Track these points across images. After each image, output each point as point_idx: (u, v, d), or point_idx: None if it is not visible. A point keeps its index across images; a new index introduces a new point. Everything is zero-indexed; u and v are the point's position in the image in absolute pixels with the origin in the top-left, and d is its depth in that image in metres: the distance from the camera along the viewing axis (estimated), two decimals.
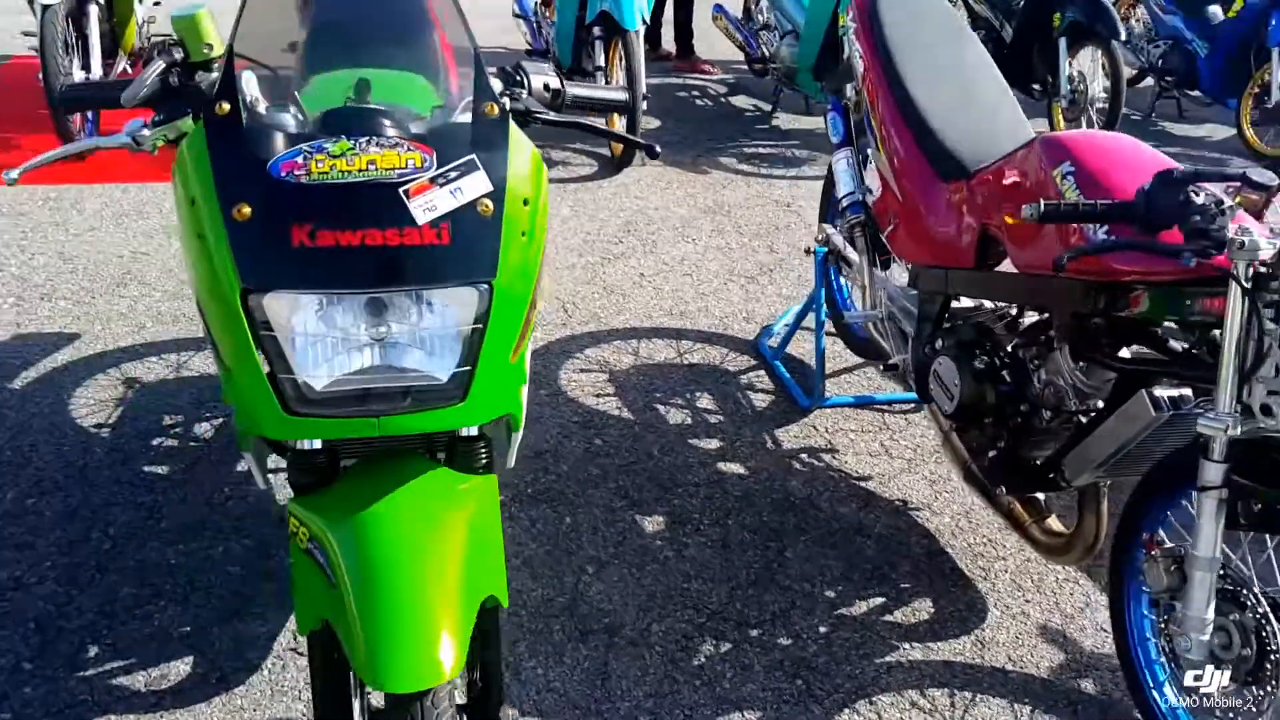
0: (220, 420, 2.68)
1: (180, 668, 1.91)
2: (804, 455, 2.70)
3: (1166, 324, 1.82)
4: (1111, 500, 2.05)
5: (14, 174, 1.33)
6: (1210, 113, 6.14)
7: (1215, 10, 5.86)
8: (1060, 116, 5.29)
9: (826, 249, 2.83)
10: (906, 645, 2.08)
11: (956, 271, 2.25)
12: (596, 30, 4.85)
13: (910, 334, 2.46)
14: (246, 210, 1.11)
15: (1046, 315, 2.11)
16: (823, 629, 2.10)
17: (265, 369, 1.10)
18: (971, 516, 2.49)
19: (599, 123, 1.45)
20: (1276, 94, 5.29)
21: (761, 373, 3.09)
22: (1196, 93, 6.02)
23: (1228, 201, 1.55)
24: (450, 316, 1.15)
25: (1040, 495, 2.22)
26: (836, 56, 5.12)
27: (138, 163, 4.46)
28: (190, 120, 1.29)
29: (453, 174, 1.15)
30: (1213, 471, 1.61)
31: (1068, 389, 2.01)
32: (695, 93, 6.19)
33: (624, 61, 4.67)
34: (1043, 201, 1.63)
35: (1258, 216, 1.56)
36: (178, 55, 1.27)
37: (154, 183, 4.16)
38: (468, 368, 1.17)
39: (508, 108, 1.19)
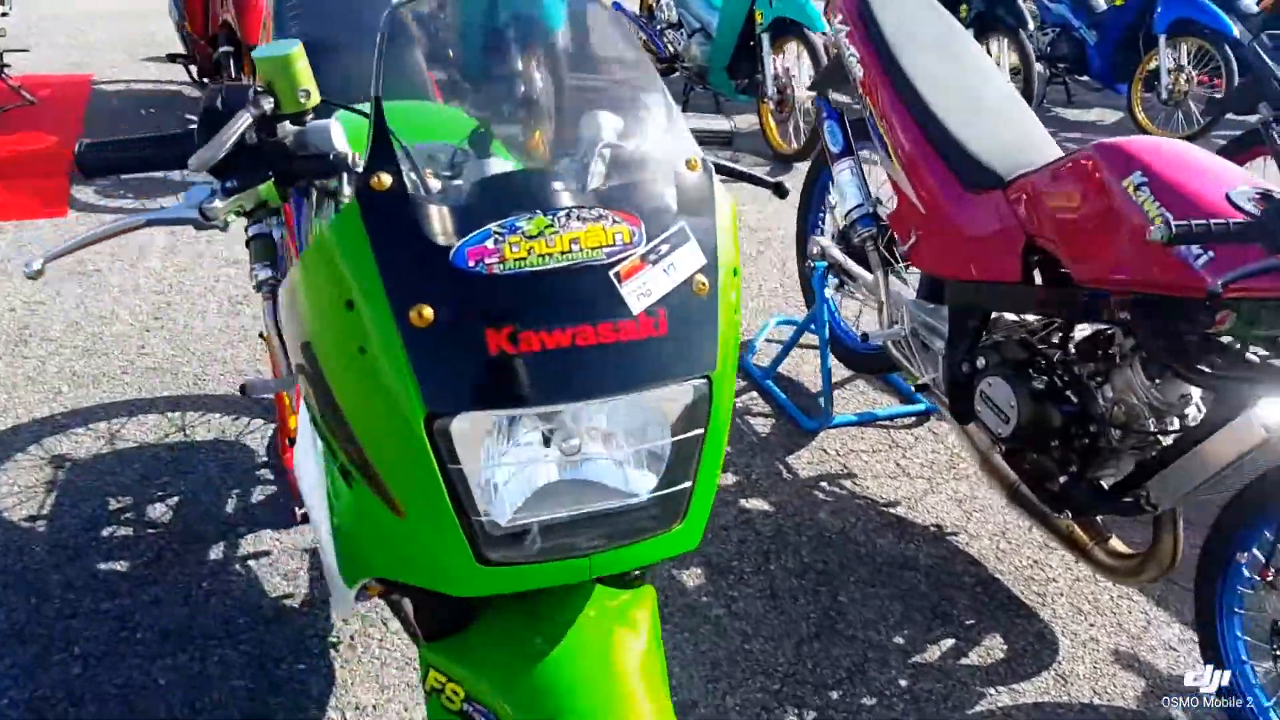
0: (176, 499, 2.34)
1: None
2: (823, 483, 2.55)
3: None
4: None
5: (36, 264, 1.02)
6: (1096, 97, 6.34)
7: None
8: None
9: (826, 263, 2.69)
10: (991, 690, 1.96)
11: (1000, 286, 2.13)
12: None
13: (939, 351, 2.34)
14: (428, 313, 0.86)
15: (1108, 330, 2.02)
16: (903, 682, 1.96)
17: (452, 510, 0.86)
18: (1009, 537, 2.40)
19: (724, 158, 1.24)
20: (1166, 79, 5.48)
21: (754, 394, 2.93)
22: (1085, 78, 6.19)
23: None
24: (666, 422, 0.93)
25: (1094, 513, 2.14)
26: (752, 55, 5.03)
27: (11, 194, 3.97)
28: (272, 186, 1.02)
29: (664, 247, 0.93)
30: None
31: (1143, 406, 1.92)
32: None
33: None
34: (1172, 222, 1.51)
35: None
36: (266, 106, 1.00)
37: (34, 219, 3.69)
38: (686, 484, 0.96)
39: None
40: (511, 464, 0.88)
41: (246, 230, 2.13)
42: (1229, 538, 1.82)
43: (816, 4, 4.70)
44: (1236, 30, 5.34)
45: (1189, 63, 5.49)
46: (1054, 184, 1.99)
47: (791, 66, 4.90)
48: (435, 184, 0.94)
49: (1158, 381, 1.92)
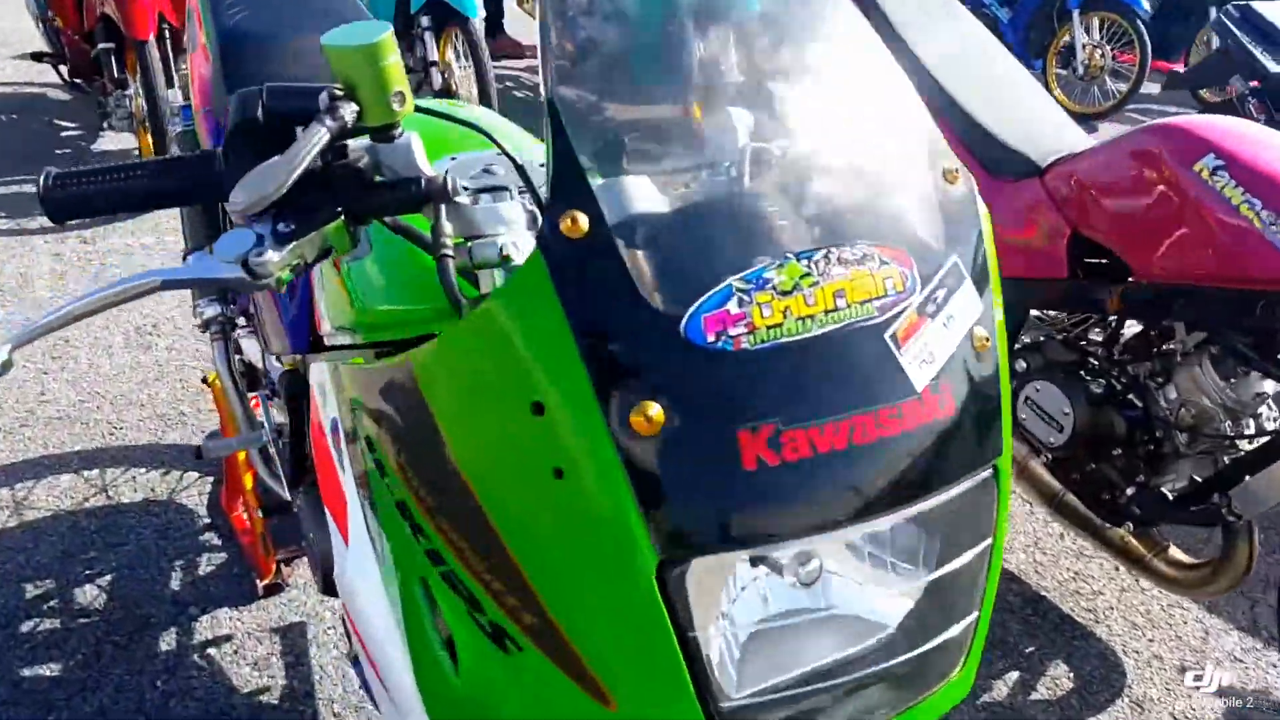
0: (109, 577, 1.97)
1: None
2: None
3: None
4: None
5: (3, 353, 0.70)
6: None
7: None
8: None
9: None
10: None
11: (1042, 282, 1.95)
12: (425, 20, 4.19)
13: None
14: (657, 414, 0.59)
15: (1163, 326, 1.86)
16: None
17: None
18: (1042, 547, 2.24)
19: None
20: (1081, 54, 5.49)
21: None
22: None
23: None
24: (951, 533, 0.68)
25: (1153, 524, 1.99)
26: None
27: None
28: (342, 227, 0.72)
29: (940, 293, 0.68)
30: None
31: (1215, 409, 1.77)
32: (509, 84, 5.64)
33: (464, 54, 4.09)
34: None
35: None
36: (349, 115, 0.71)
37: None
38: (973, 615, 0.71)
39: None
40: (760, 620, 0.62)
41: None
42: None
43: None
44: (1146, 3, 5.38)
45: (1102, 37, 5.51)
46: (1106, 171, 1.81)
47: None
48: (666, 229, 0.65)
49: (1232, 381, 1.76)
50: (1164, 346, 1.86)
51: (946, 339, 0.67)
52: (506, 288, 0.62)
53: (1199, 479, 1.83)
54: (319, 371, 1.03)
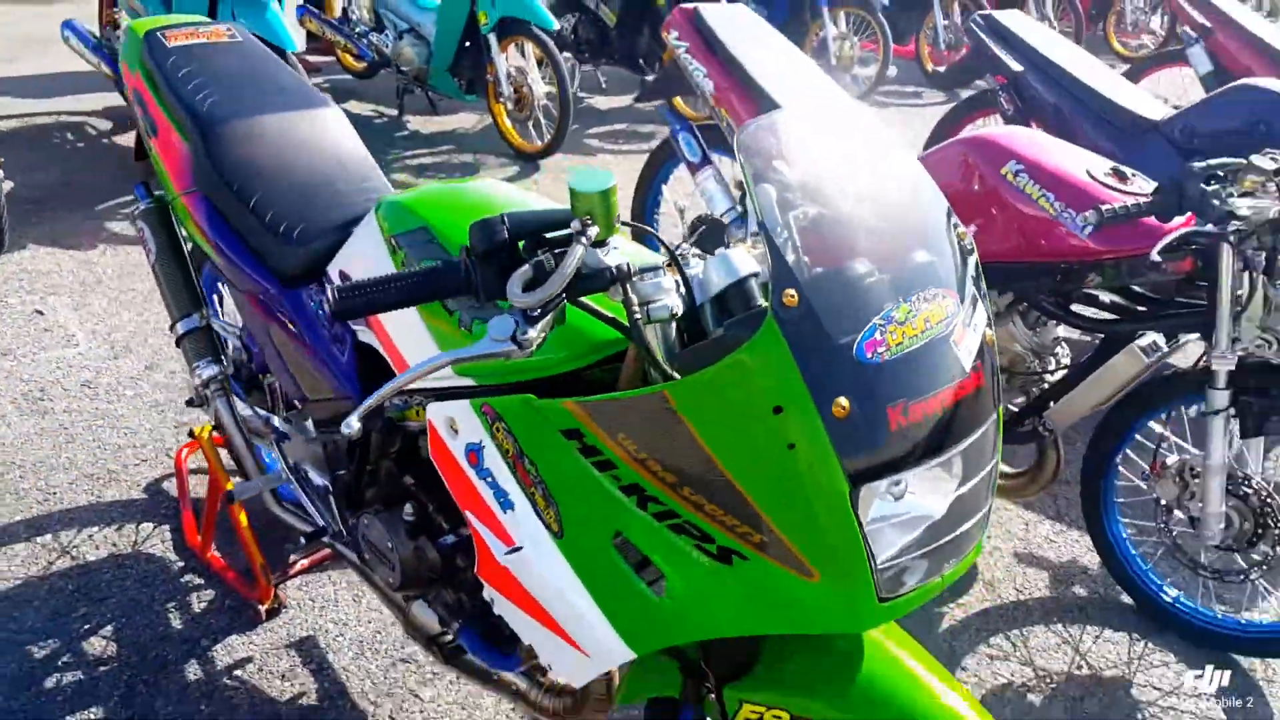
0: (109, 628, 2.10)
1: None
2: None
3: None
4: None
5: (355, 424, 0.95)
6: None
7: None
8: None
9: None
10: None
11: None
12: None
13: None
14: (845, 404, 0.96)
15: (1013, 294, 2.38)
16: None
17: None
18: None
19: None
20: (833, 46, 6.19)
21: None
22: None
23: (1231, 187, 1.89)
24: (990, 453, 1.08)
25: None
26: (474, 55, 5.06)
27: None
28: (564, 306, 1.01)
29: (969, 311, 1.06)
30: (1220, 398, 1.99)
31: (1025, 352, 2.33)
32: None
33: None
34: (1102, 209, 1.86)
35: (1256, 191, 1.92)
36: (593, 234, 1.00)
37: None
38: (989, 504, 1.11)
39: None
40: (903, 515, 1.01)
41: (173, 329, 1.97)
42: (1110, 442, 2.26)
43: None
44: None
45: (849, 29, 6.24)
46: (934, 174, 2.30)
47: (524, 65, 4.98)
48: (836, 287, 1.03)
49: (1036, 331, 2.32)
50: (997, 307, 2.39)
51: (975, 339, 1.07)
52: (754, 344, 0.96)
53: (1016, 408, 2.37)
54: (444, 410, 1.31)
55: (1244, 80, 3.21)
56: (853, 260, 1.03)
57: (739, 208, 2.78)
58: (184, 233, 2.04)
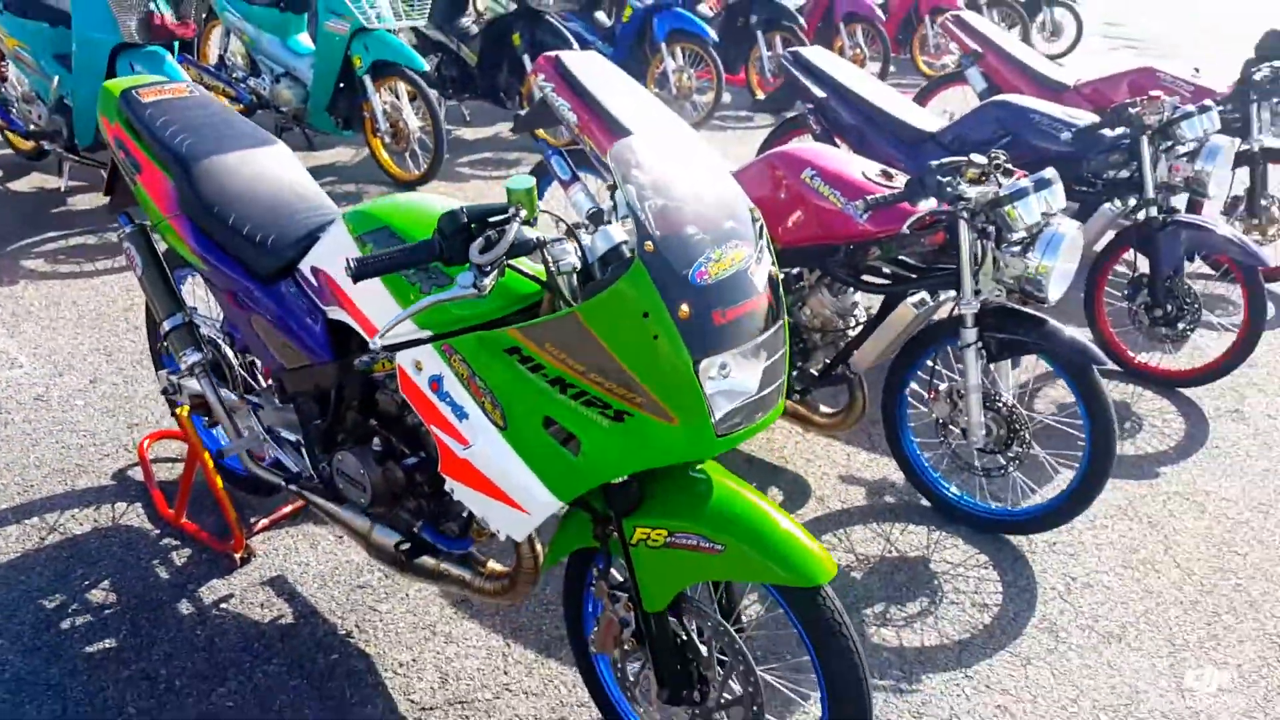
0: (106, 581, 2.52)
1: None
2: None
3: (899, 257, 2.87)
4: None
5: (379, 340, 1.46)
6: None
7: (601, 16, 7.33)
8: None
9: None
10: None
11: None
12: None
13: None
14: (686, 309, 1.52)
15: (798, 272, 3.06)
16: None
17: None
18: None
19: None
20: (673, 78, 6.90)
21: None
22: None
23: (960, 178, 2.59)
24: (780, 345, 1.68)
25: (808, 393, 3.19)
26: (348, 94, 5.55)
27: None
28: (504, 267, 1.57)
29: (760, 253, 1.66)
30: (970, 334, 2.70)
31: (833, 315, 3.00)
32: None
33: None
34: (868, 198, 2.54)
35: (981, 180, 2.63)
36: (523, 215, 1.55)
37: None
38: (783, 378, 1.71)
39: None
40: (741, 374, 1.60)
41: (162, 325, 2.43)
42: (899, 378, 2.95)
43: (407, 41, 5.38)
44: (714, 34, 6.90)
45: (685, 62, 6.97)
46: (754, 182, 2.95)
47: (398, 102, 5.48)
48: (674, 240, 1.59)
49: (838, 297, 3.00)
50: (798, 284, 3.06)
51: (763, 272, 1.68)
52: (628, 278, 1.53)
53: (828, 359, 3.04)
54: (410, 355, 1.84)
55: (997, 97, 4.03)
56: (686, 226, 1.62)
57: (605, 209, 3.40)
58: (164, 249, 2.51)
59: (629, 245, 1.65)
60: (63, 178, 5.22)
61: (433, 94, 5.39)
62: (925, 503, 3.03)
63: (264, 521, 2.71)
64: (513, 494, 1.78)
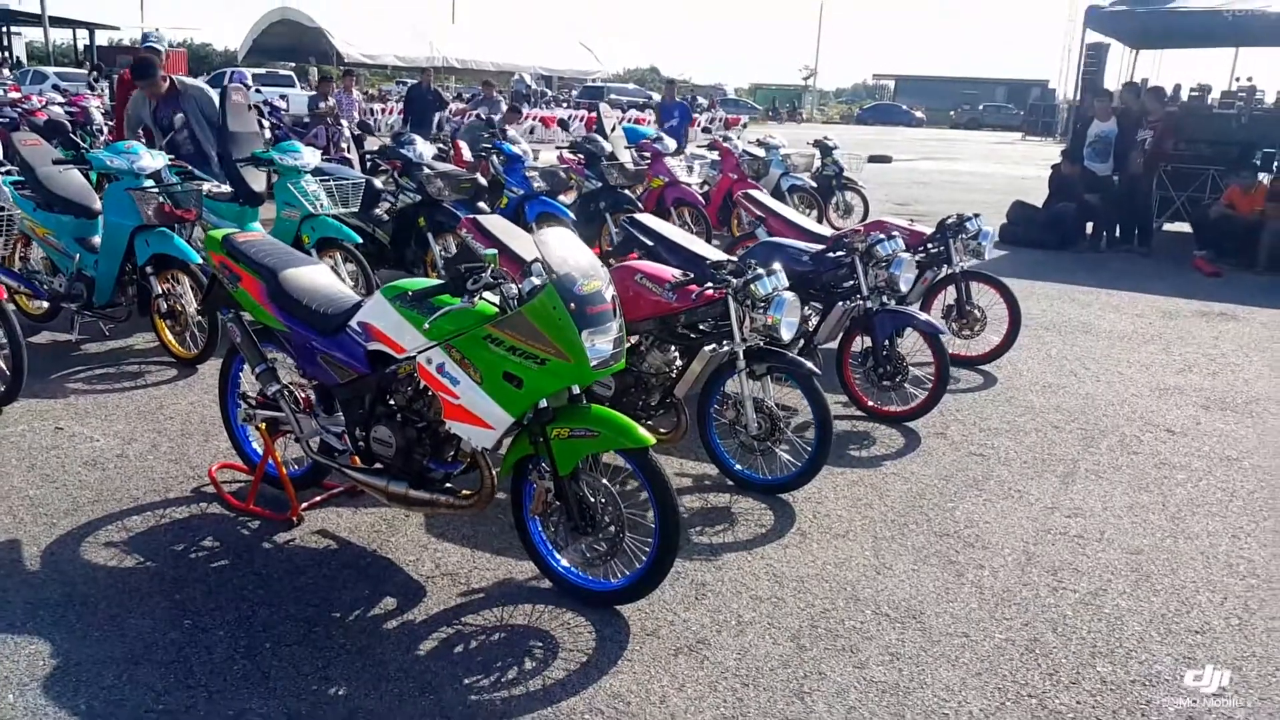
0: (208, 540, 3.96)
1: None
2: None
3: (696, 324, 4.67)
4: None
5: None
6: None
7: (483, 205, 9.25)
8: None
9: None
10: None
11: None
12: (149, 268, 6.18)
13: None
14: (574, 306, 3.17)
15: (645, 336, 4.82)
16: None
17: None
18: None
19: None
20: None
21: None
22: None
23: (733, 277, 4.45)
24: (618, 330, 3.36)
25: (650, 419, 4.88)
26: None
27: None
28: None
29: (608, 286, 3.37)
30: (742, 361, 4.50)
31: (661, 364, 4.76)
32: None
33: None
34: (668, 284, 4.37)
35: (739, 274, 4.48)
36: (490, 269, 3.23)
37: None
38: (622, 348, 3.41)
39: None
40: (599, 340, 3.28)
41: (255, 370, 4.00)
42: (705, 400, 4.70)
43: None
44: (572, 215, 8.89)
45: None
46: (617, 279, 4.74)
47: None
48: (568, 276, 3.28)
49: (663, 353, 4.77)
50: (640, 348, 4.82)
51: (610, 291, 3.38)
52: (545, 292, 3.21)
53: (661, 395, 4.77)
54: (429, 355, 3.47)
55: (763, 239, 6.03)
56: (570, 269, 3.33)
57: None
58: (253, 324, 4.10)
59: (543, 280, 3.39)
60: (74, 331, 6.65)
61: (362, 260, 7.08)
62: (729, 481, 4.73)
63: (307, 504, 4.20)
64: (486, 418, 3.41)
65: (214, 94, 7.82)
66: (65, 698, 2.96)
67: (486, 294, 3.37)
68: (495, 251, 3.40)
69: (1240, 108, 15.81)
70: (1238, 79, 20.53)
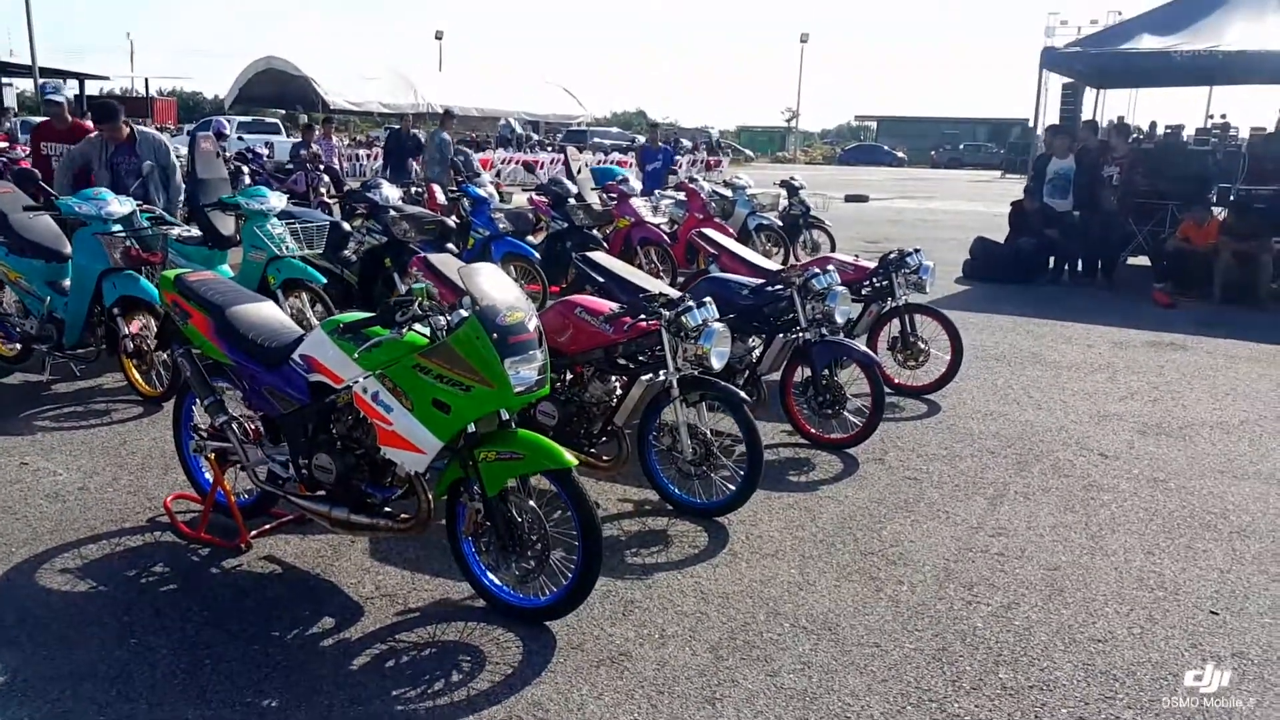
0: (164, 563, 4.13)
1: None
2: None
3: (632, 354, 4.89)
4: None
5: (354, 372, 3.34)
6: None
7: (451, 246, 9.50)
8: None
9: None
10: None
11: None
12: (117, 310, 6.38)
13: None
14: (496, 335, 3.40)
15: (584, 369, 5.03)
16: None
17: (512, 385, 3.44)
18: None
19: None
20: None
21: None
22: None
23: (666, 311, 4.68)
24: (541, 358, 3.58)
25: (592, 448, 5.07)
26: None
27: None
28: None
29: (531, 317, 3.58)
30: (676, 390, 4.71)
31: (601, 393, 4.97)
32: None
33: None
34: (605, 316, 4.59)
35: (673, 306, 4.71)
36: (420, 303, 3.45)
37: None
38: (546, 375, 3.61)
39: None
40: (523, 368, 3.49)
41: (204, 402, 4.19)
42: (644, 428, 4.90)
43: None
44: (538, 255, 9.16)
45: (516, 276, 9.16)
46: (550, 318, 4.96)
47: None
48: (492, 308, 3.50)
49: (603, 383, 4.99)
50: (580, 378, 5.03)
51: (535, 322, 3.60)
52: (469, 322, 3.43)
53: (601, 423, 4.97)
54: (363, 384, 3.68)
55: (710, 274, 6.27)
56: (494, 301, 3.55)
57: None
58: (203, 359, 4.30)
59: (468, 312, 3.59)
60: (45, 372, 6.84)
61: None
62: (669, 506, 4.92)
63: (266, 526, 4.38)
64: (418, 443, 3.61)
65: (167, 141, 8.05)
66: (10, 711, 3.12)
67: (416, 325, 3.58)
68: (424, 285, 3.62)
69: (1215, 144, 16.26)
70: (1211, 116, 21.12)
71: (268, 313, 4.28)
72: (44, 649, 3.48)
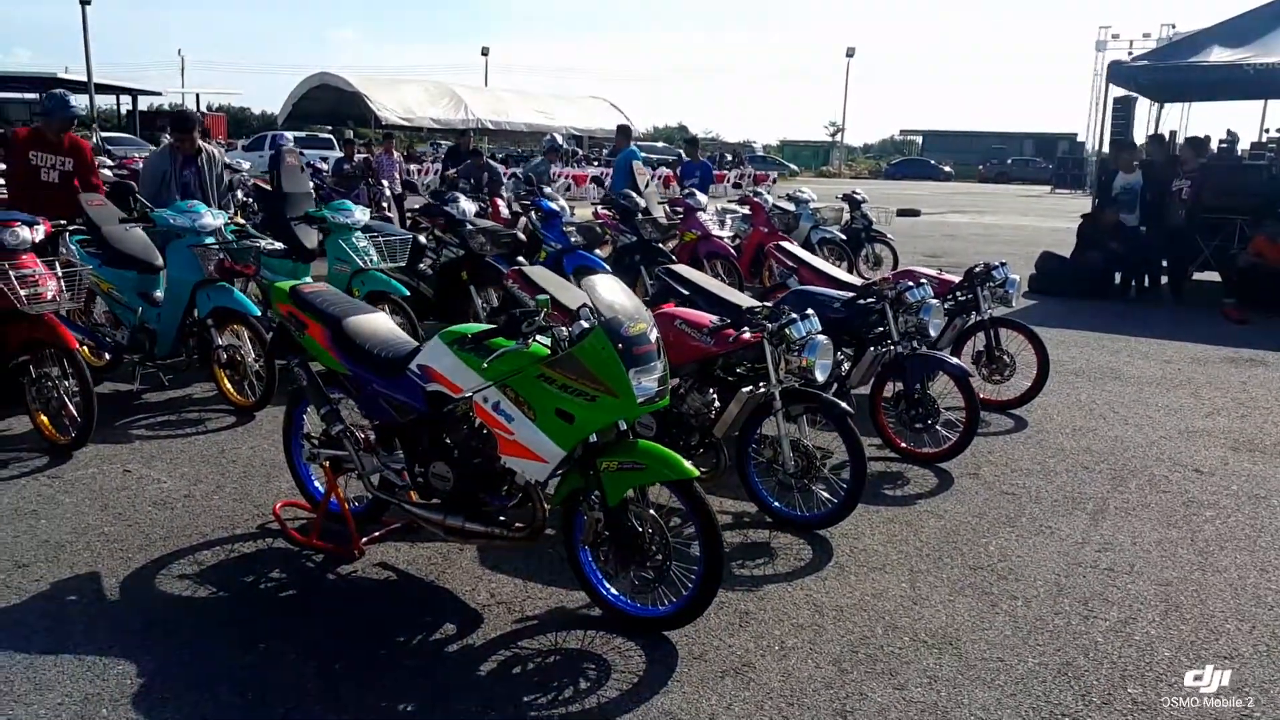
0: (281, 568, 4.18)
1: None
2: None
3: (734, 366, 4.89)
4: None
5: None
6: None
7: (521, 259, 9.57)
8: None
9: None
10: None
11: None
12: (210, 321, 6.50)
13: None
14: (622, 347, 3.41)
15: (687, 379, 5.03)
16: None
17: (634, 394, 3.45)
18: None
19: None
20: None
21: None
22: None
23: (759, 317, 4.68)
24: (662, 369, 3.59)
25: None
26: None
27: None
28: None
29: (653, 328, 3.62)
30: (779, 402, 4.70)
31: (701, 405, 4.98)
32: None
33: (253, 346, 6.46)
34: (706, 330, 4.60)
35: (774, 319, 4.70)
36: (543, 314, 3.48)
37: None
38: (666, 386, 3.62)
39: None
40: (644, 378, 3.50)
41: (320, 411, 4.26)
42: (744, 440, 4.89)
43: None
44: (608, 268, 9.18)
45: None
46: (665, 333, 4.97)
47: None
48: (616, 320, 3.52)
49: (702, 394, 4.99)
50: (680, 390, 5.04)
51: (655, 335, 3.63)
52: (594, 333, 3.44)
53: (700, 435, 4.97)
54: (483, 394, 3.71)
55: (795, 287, 6.25)
56: (617, 312, 3.57)
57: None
58: (318, 369, 4.35)
59: (591, 323, 3.62)
60: (136, 381, 6.97)
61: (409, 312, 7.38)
62: (768, 519, 4.91)
63: (367, 538, 4.43)
64: (540, 452, 3.63)
65: (221, 155, 8.03)
66: (155, 712, 3.17)
67: (539, 336, 3.60)
68: (548, 297, 3.65)
69: (1270, 158, 15.97)
70: (1267, 130, 20.80)
71: (382, 323, 4.33)
72: (175, 653, 3.53)
